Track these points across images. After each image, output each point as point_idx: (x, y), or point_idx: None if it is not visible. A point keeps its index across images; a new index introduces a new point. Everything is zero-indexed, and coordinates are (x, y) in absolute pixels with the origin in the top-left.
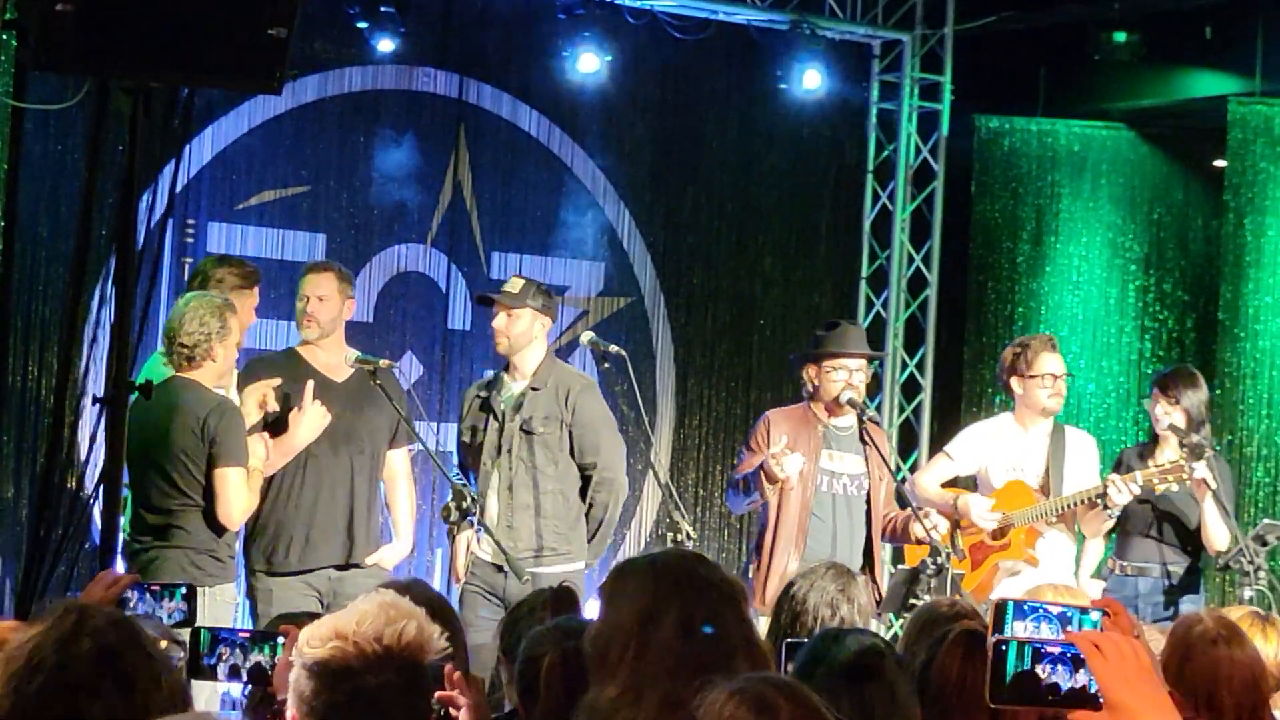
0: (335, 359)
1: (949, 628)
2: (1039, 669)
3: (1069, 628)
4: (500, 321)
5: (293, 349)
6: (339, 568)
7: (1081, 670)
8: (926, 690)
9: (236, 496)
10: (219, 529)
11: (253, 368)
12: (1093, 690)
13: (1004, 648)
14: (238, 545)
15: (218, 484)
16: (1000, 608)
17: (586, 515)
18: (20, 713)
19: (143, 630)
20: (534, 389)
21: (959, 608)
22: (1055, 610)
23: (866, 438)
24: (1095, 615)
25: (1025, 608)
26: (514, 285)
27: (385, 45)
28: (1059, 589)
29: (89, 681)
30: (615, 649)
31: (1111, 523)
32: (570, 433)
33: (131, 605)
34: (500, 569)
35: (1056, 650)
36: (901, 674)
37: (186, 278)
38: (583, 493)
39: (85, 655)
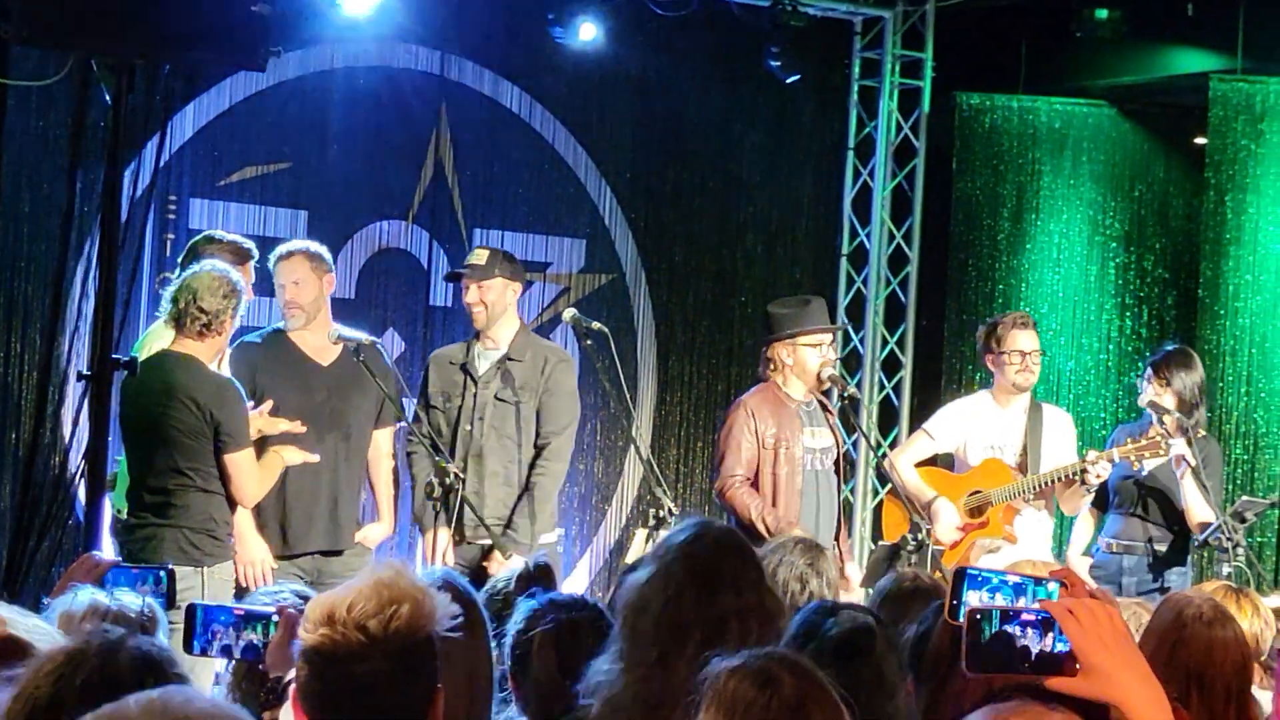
0: (322, 341)
1: (939, 603)
2: (1014, 636)
3: (1023, 598)
4: (473, 295)
5: (279, 330)
6: (324, 553)
7: (1051, 635)
8: (920, 666)
9: (249, 477)
10: (230, 506)
11: (241, 352)
12: (1067, 655)
13: (978, 617)
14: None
15: (230, 470)
16: (958, 575)
17: (531, 486)
18: (63, 701)
19: (176, 655)
20: (511, 359)
21: (920, 581)
22: (1011, 580)
23: (829, 407)
24: (1052, 586)
25: (980, 577)
26: (479, 257)
27: (360, 6)
28: (1037, 565)
29: (131, 682)
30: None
31: (1090, 498)
32: (539, 400)
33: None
34: (486, 549)
35: (1031, 618)
36: (890, 653)
37: (170, 255)
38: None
39: (127, 662)
